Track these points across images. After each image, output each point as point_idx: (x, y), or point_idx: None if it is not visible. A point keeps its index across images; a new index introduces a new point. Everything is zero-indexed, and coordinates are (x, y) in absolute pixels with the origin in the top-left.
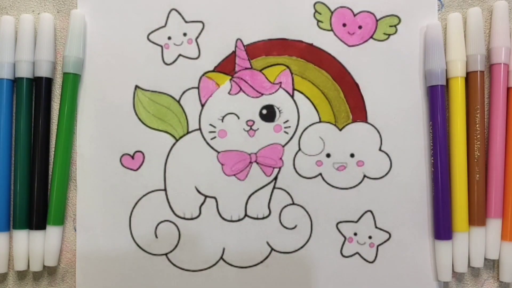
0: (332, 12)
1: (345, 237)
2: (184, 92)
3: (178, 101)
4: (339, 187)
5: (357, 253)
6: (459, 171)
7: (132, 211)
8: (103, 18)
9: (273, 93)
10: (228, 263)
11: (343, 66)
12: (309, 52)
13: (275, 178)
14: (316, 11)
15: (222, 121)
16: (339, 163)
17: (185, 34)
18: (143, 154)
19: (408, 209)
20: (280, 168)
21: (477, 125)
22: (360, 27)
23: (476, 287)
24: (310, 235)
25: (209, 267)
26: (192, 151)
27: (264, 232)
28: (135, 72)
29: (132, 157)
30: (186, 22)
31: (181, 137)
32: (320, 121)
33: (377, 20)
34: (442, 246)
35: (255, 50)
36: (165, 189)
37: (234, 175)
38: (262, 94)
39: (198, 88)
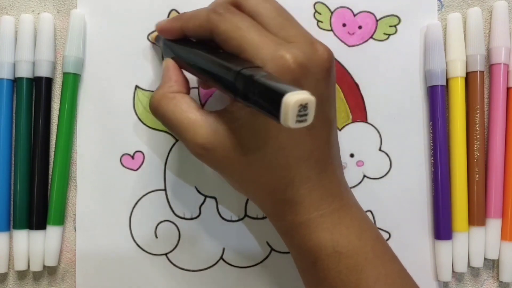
0: (332, 12)
1: None
2: None
3: None
4: None
5: None
6: (459, 171)
7: (132, 211)
8: (103, 18)
9: None
10: (228, 263)
11: (343, 66)
12: None
13: None
14: (316, 11)
15: None
16: None
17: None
18: (143, 154)
19: (408, 209)
20: None
21: (477, 125)
22: (360, 27)
23: (476, 287)
24: None
25: (209, 267)
26: None
27: (264, 232)
28: (135, 72)
29: (132, 157)
30: None
31: None
32: None
33: (377, 20)
34: (442, 246)
35: None
36: (165, 189)
37: None
38: None
39: (198, 88)
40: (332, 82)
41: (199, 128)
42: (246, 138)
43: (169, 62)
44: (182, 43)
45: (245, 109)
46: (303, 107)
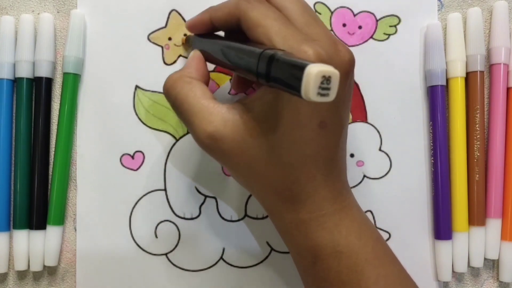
0: (332, 12)
1: None
2: None
3: None
4: None
5: None
6: (459, 171)
7: (132, 211)
8: (103, 18)
9: None
10: (228, 263)
11: None
12: None
13: None
14: (316, 11)
15: None
16: None
17: (185, 35)
18: (143, 154)
19: (408, 209)
20: None
21: (477, 125)
22: (360, 27)
23: (476, 287)
24: None
25: (209, 267)
26: (192, 151)
27: (264, 232)
28: (135, 72)
29: (132, 157)
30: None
31: (181, 137)
32: None
33: (377, 20)
34: (442, 246)
35: None
36: (165, 189)
37: None
38: None
39: None
40: (350, 85)
41: (209, 115)
42: (257, 130)
43: (196, 53)
44: (209, 36)
45: (259, 101)
46: (326, 79)
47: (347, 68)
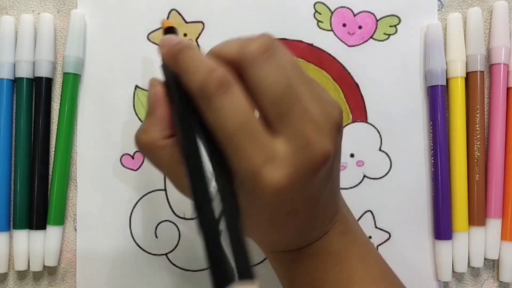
0: (332, 12)
1: None
2: None
3: None
4: None
5: None
6: (459, 171)
7: (132, 211)
8: (103, 18)
9: None
10: None
11: (343, 66)
12: (309, 52)
13: None
14: (316, 11)
15: None
16: None
17: (185, 35)
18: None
19: (408, 209)
20: None
21: (477, 125)
22: (360, 27)
23: (476, 287)
24: None
25: None
26: None
27: None
28: (135, 72)
29: (132, 157)
30: (186, 22)
31: None
32: None
33: (377, 20)
34: (442, 246)
35: None
36: (165, 189)
37: None
38: None
39: None
40: (332, 168)
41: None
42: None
43: (158, 90)
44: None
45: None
46: None
47: (318, 165)
